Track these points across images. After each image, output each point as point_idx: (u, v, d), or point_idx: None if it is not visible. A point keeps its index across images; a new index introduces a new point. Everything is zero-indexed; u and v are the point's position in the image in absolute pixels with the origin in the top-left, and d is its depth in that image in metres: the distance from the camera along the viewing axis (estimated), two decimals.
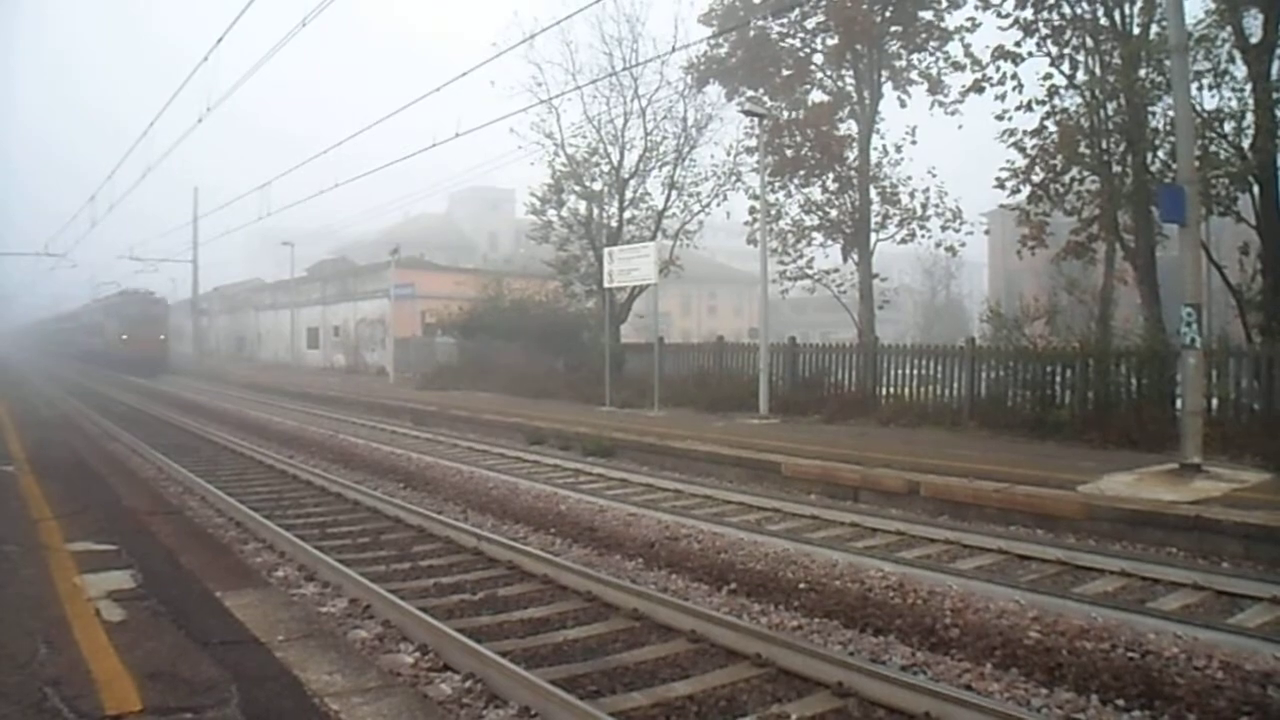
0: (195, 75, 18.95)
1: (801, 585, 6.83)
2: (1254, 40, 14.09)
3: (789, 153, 22.10)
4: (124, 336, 44.18)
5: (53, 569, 5.96)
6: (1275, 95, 13.99)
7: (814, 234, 22.43)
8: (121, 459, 13.65)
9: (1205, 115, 14.79)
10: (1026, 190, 17.76)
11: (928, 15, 21.34)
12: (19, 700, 3.74)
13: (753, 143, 22.12)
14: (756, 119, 20.54)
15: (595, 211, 25.57)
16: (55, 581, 5.65)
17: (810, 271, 22.66)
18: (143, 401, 26.06)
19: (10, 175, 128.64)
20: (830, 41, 22.26)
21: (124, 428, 17.91)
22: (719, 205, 25.13)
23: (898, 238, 22.20)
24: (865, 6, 20.93)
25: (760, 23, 22.66)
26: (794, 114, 22.76)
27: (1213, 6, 15.28)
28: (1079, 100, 17.01)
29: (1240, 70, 14.57)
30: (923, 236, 22.08)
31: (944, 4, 21.01)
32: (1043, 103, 17.23)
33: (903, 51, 22.06)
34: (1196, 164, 12.02)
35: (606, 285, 21.38)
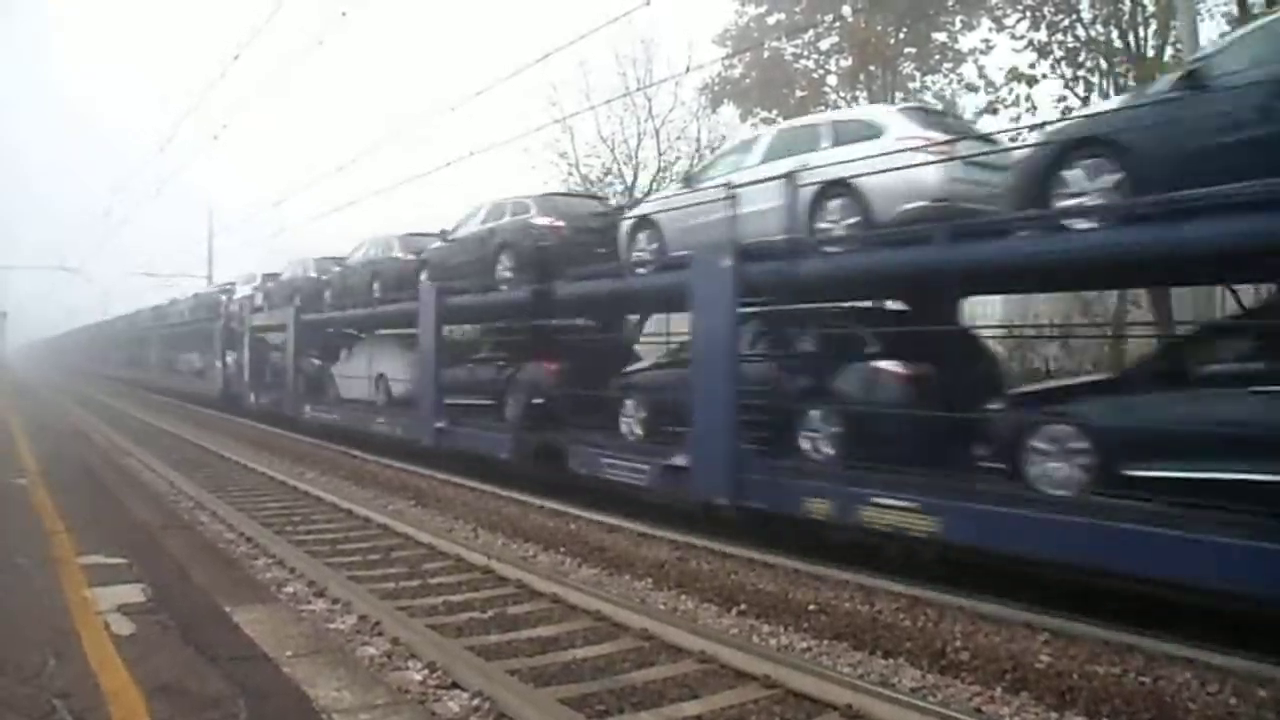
0: (211, 89, 19.23)
1: (811, 607, 6.79)
2: None
3: None
4: None
5: (63, 581, 5.98)
6: None
7: None
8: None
9: None
10: None
11: (941, 37, 21.40)
12: (28, 712, 3.75)
13: None
14: None
15: None
16: (65, 594, 5.67)
17: None
18: None
19: (23, 187, 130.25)
20: (844, 63, 22.32)
21: None
22: None
23: None
24: (879, 28, 20.99)
25: (774, 44, 22.76)
26: None
27: (1227, 29, 15.28)
28: None
29: None
30: None
31: (958, 26, 21.07)
32: None
33: (916, 73, 22.11)
34: None
35: None
